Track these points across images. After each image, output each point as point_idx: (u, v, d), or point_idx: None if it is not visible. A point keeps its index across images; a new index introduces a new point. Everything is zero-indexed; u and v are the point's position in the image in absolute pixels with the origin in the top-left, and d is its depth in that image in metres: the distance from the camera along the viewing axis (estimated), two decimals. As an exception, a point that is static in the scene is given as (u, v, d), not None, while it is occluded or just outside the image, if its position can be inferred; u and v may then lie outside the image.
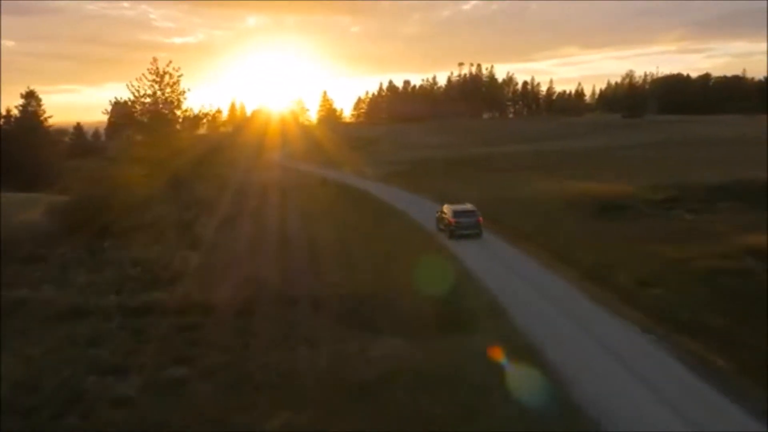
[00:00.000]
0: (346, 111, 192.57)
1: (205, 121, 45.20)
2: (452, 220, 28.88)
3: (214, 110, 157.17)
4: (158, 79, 32.79)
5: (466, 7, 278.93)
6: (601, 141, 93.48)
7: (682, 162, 55.94)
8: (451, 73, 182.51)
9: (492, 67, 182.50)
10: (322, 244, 24.62)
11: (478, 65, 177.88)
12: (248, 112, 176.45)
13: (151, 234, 28.79)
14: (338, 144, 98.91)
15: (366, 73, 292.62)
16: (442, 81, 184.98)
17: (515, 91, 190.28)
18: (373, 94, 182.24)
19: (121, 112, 34.75)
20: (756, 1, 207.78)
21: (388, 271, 20.58)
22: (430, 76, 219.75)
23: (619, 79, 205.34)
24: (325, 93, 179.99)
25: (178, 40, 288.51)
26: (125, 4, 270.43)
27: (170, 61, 32.78)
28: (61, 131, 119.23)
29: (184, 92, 33.72)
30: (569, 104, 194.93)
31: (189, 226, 30.04)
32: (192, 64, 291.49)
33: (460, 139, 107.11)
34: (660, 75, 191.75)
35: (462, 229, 28.37)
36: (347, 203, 38.22)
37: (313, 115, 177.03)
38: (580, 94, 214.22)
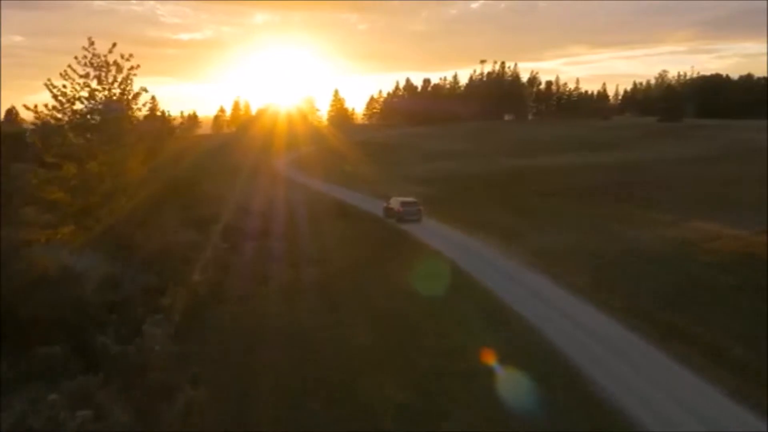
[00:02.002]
0: (355, 109, 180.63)
1: (178, 130, 32.05)
2: (400, 209, 35.24)
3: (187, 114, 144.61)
4: (98, 73, 20.52)
5: (474, 5, 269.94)
6: (658, 150, 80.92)
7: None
8: (474, 72, 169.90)
9: (516, 65, 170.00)
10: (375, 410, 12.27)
11: (502, 63, 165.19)
12: (253, 110, 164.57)
13: (61, 341, 16.60)
14: (351, 150, 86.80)
15: (373, 70, 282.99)
16: (450, 79, 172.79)
17: (539, 91, 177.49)
18: (388, 93, 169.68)
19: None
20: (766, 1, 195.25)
21: None
22: (438, 75, 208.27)
23: (632, 79, 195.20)
24: (336, 92, 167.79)
25: (185, 36, 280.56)
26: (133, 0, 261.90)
27: (114, 45, 20.47)
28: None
29: (139, 94, 21.49)
30: (595, 106, 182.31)
31: (135, 326, 17.76)
32: (199, 60, 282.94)
33: (489, 146, 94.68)
34: (696, 75, 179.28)
35: (407, 215, 34.87)
36: (389, 261, 25.74)
37: (323, 115, 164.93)
38: (604, 94, 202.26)
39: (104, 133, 20.46)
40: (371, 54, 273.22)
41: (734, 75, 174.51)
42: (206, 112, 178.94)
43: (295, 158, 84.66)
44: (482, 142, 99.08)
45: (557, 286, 21.51)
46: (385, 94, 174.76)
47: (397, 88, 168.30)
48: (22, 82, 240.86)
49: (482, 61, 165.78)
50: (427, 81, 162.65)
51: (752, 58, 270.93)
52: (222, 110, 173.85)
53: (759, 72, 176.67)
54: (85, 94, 20.64)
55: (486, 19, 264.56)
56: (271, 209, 39.72)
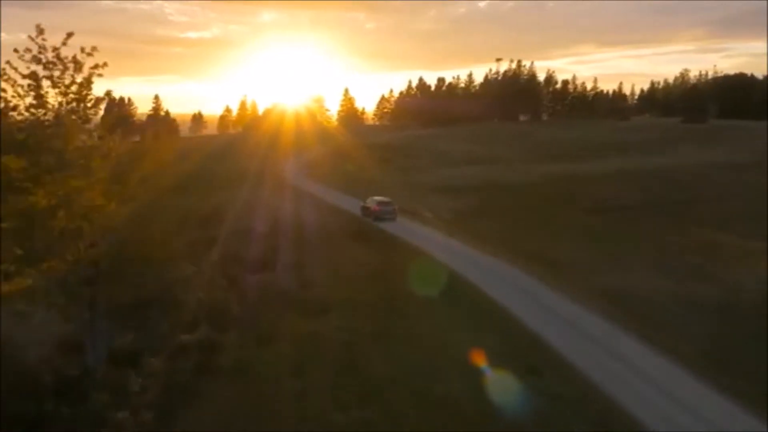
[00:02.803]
0: (365, 109, 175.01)
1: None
2: (376, 208, 37.79)
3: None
4: (49, 73, 15.08)
5: (482, 4, 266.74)
6: (694, 155, 75.07)
7: None
8: (489, 70, 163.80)
9: (532, 63, 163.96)
10: None
11: (518, 62, 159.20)
12: (260, 110, 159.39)
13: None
14: (364, 153, 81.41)
15: (381, 69, 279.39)
16: (465, 78, 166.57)
17: (555, 90, 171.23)
18: (401, 93, 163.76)
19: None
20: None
21: None
22: (445, 74, 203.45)
23: (639, 79, 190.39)
24: (347, 91, 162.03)
25: (193, 35, 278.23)
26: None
27: (69, 35, 15.04)
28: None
29: (102, 100, 16.13)
30: (612, 106, 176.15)
31: (92, 425, 12.48)
32: (207, 58, 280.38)
33: (512, 149, 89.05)
34: (718, 74, 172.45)
35: (383, 215, 37.12)
36: (432, 311, 20.25)
37: (333, 114, 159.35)
38: (620, 94, 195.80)
39: (52, 155, 15.02)
40: (378, 53, 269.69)
41: (759, 74, 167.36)
42: (214, 110, 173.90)
43: (303, 162, 79.16)
44: (504, 145, 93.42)
45: (664, 358, 15.94)
46: (396, 94, 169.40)
47: (409, 87, 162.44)
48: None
49: (498, 60, 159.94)
50: (441, 80, 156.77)
51: (761, 57, 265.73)
52: (228, 110, 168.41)
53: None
54: (31, 99, 15.16)
55: (493, 18, 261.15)
56: (277, 229, 34.26)
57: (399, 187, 53.69)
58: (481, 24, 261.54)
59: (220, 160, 75.84)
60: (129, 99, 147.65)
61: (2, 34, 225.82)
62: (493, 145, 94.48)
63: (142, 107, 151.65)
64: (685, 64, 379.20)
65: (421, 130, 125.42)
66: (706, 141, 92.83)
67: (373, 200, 38.60)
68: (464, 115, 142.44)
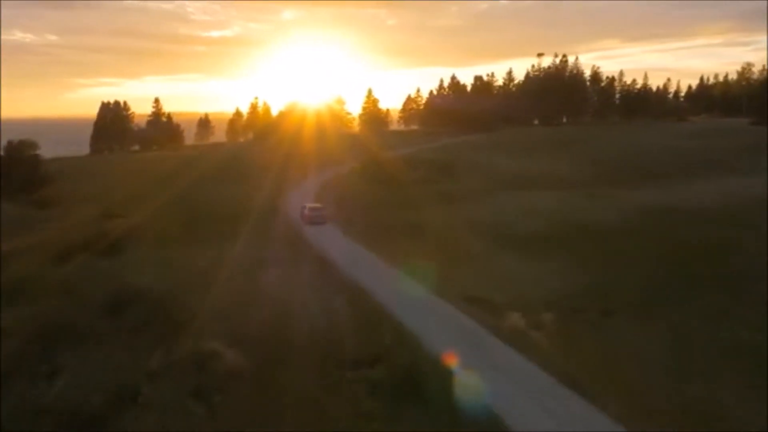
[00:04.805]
0: (389, 110, 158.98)
1: None
2: (309, 213, 42.88)
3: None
4: None
5: (504, 1, 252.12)
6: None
7: None
8: (532, 66, 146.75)
9: (577, 58, 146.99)
10: None
11: (563, 56, 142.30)
12: (275, 112, 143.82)
13: None
14: (399, 172, 65.76)
15: (402, 66, 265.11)
16: (504, 75, 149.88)
17: (601, 89, 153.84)
18: (431, 93, 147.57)
19: None
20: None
21: None
22: (468, 71, 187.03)
23: (662, 74, 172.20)
24: (370, 91, 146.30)
25: (215, 33, 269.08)
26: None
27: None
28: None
29: None
30: (668, 106, 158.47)
31: None
32: (229, 57, 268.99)
33: (575, 165, 72.38)
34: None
35: (314, 219, 42.18)
36: None
37: (354, 117, 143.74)
38: (665, 91, 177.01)
39: None
40: (400, 49, 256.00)
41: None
42: (233, 109, 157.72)
43: (322, 184, 63.45)
44: (561, 158, 76.73)
45: None
46: (423, 93, 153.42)
47: (441, 86, 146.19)
48: (56, 80, 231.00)
49: (539, 55, 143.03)
50: (478, 77, 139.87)
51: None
52: (238, 113, 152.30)
53: None
54: None
55: (516, 14, 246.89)
56: (267, 363, 18.62)
57: (454, 235, 37.99)
58: (504, 20, 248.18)
59: (216, 183, 60.86)
60: (125, 103, 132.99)
61: (29, 35, 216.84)
62: (548, 158, 77.95)
63: (167, 106, 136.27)
64: (711, 58, 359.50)
65: (456, 137, 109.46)
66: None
67: (306, 207, 43.99)
68: (502, 116, 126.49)
